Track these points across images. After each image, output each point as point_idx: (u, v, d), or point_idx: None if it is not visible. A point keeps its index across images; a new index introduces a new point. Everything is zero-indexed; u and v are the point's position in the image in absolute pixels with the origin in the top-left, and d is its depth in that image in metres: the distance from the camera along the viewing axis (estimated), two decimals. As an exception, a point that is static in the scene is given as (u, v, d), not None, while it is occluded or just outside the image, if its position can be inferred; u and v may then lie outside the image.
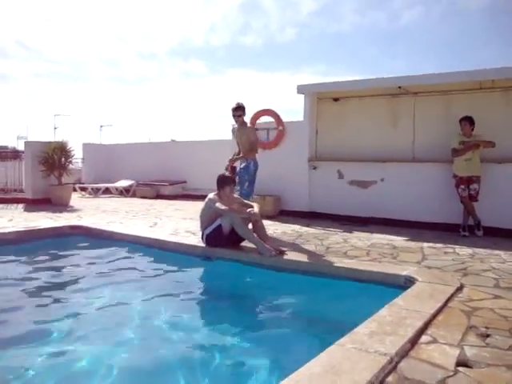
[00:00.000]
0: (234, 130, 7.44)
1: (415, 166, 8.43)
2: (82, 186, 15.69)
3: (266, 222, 8.09)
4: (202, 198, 13.02)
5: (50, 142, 12.10)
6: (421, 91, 8.75)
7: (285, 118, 9.91)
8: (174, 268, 5.56)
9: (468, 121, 7.52)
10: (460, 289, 4.14)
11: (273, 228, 7.78)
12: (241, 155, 7.36)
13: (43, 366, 2.96)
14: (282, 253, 5.44)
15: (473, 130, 7.52)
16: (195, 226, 7.81)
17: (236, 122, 7.41)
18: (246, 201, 6.12)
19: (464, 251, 6.05)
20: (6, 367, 2.94)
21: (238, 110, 7.20)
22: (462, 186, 7.43)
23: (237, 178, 6.96)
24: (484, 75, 7.67)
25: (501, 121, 7.94)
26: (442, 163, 7.98)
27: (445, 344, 2.89)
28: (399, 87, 8.55)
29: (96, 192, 15.00)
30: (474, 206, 7.43)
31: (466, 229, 7.44)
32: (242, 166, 7.29)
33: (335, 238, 6.95)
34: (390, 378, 2.43)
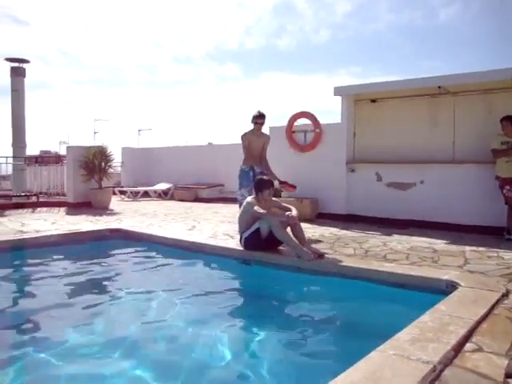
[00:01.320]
0: (245, 136, 7.44)
1: (456, 168, 8.24)
2: (121, 189, 15.98)
3: (303, 225, 8.06)
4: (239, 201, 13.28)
5: (90, 147, 12.37)
6: (461, 91, 8.54)
7: (321, 121, 9.85)
8: (213, 271, 5.59)
9: (509, 120, 7.29)
10: (506, 295, 4.00)
11: (311, 231, 7.73)
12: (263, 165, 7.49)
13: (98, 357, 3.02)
14: (320, 256, 5.40)
15: None
16: (233, 229, 7.83)
17: (258, 129, 7.49)
18: (284, 204, 6.09)
19: (509, 255, 5.86)
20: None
21: (262, 118, 7.42)
22: (508, 187, 7.21)
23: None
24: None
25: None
26: (484, 164, 7.76)
27: (491, 353, 2.79)
28: (439, 87, 8.38)
29: (135, 195, 15.24)
30: None
31: (511, 232, 7.21)
32: (259, 171, 7.32)
33: (374, 241, 6.85)
34: (433, 387, 2.36)
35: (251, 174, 7.33)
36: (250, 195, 6.84)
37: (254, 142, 7.49)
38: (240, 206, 6.85)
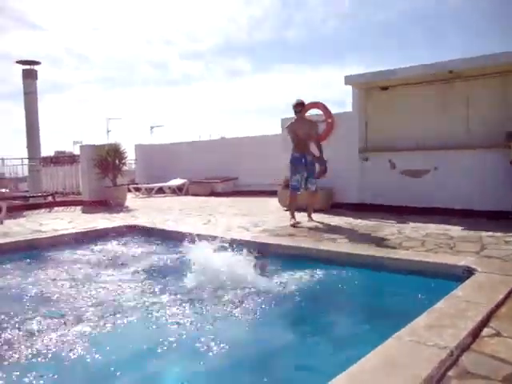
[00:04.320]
0: (289, 127, 7.89)
1: (470, 153, 8.15)
2: (135, 186, 16.08)
3: (318, 216, 8.10)
4: (253, 193, 13.39)
5: (103, 145, 12.47)
6: (473, 74, 8.41)
7: (333, 111, 9.81)
8: (228, 264, 5.58)
9: None
10: (524, 279, 3.97)
11: (326, 221, 7.74)
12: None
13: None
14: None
15: None
16: (248, 222, 7.88)
17: (300, 117, 7.97)
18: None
19: (526, 240, 5.81)
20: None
21: (299, 106, 7.89)
22: None
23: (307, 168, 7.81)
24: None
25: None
26: (499, 149, 7.67)
27: (510, 338, 2.77)
28: (450, 71, 8.27)
29: (149, 192, 15.34)
30: None
31: None
32: (310, 159, 7.86)
33: (389, 229, 6.82)
34: (451, 373, 2.36)
35: (303, 160, 7.76)
36: (303, 182, 7.79)
37: (301, 130, 7.84)
38: (292, 191, 7.89)
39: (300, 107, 7.88)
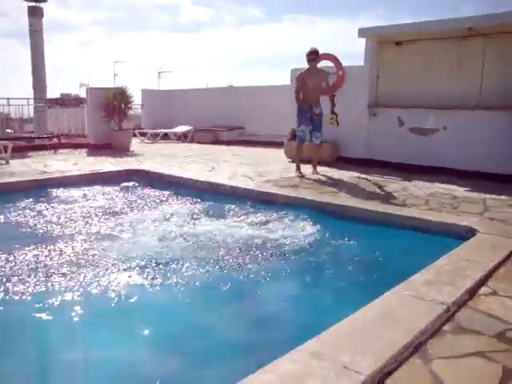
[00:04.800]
0: (300, 77, 7.70)
1: (481, 114, 8.01)
2: (141, 131, 15.98)
3: (322, 168, 8.09)
4: (259, 143, 13.35)
5: (109, 88, 12.33)
6: (492, 32, 8.17)
7: (345, 64, 9.62)
8: (229, 211, 5.62)
9: None
10: (524, 241, 4.00)
11: (330, 174, 7.75)
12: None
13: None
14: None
15: None
16: (252, 170, 7.89)
17: (313, 66, 7.83)
18: None
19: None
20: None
21: (314, 54, 7.74)
22: None
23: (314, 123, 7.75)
24: None
25: None
26: (509, 111, 7.55)
27: (505, 297, 2.83)
28: (469, 28, 8.04)
29: (155, 137, 15.27)
30: None
31: None
32: (318, 112, 7.78)
33: (394, 186, 6.81)
34: (446, 327, 2.41)
35: (309, 114, 7.67)
36: (309, 132, 7.73)
37: (311, 81, 7.69)
38: (299, 142, 7.85)
39: (314, 55, 7.71)
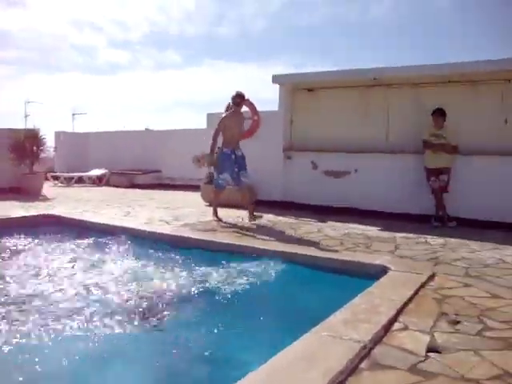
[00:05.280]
0: (226, 119, 7.55)
1: (388, 158, 8.51)
2: (54, 174, 15.42)
3: (240, 212, 8.15)
4: (176, 187, 13.28)
5: (19, 130, 11.87)
6: (394, 83, 8.80)
7: (259, 108, 9.90)
8: (144, 256, 5.50)
9: (439, 113, 7.58)
10: (432, 277, 4.23)
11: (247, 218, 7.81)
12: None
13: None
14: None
15: (444, 121, 7.61)
16: (168, 214, 7.81)
17: (239, 110, 7.77)
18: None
19: (435, 241, 6.17)
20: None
21: (243, 98, 7.74)
22: (433, 178, 7.53)
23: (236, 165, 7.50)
24: (453, 68, 7.89)
25: (468, 113, 8.06)
26: (415, 154, 8.06)
27: (416, 331, 2.96)
28: (374, 78, 8.61)
29: (69, 181, 14.78)
30: (444, 198, 7.54)
31: (438, 219, 7.56)
32: (240, 154, 7.60)
33: (309, 227, 6.99)
34: (363, 365, 2.48)
35: (233, 157, 7.43)
36: (232, 180, 7.46)
37: (235, 123, 7.54)
38: (217, 189, 7.71)
39: (240, 99, 7.66)
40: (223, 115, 7.64)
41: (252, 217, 7.50)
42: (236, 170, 7.45)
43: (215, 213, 7.62)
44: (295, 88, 9.85)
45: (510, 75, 7.75)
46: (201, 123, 11.19)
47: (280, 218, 7.95)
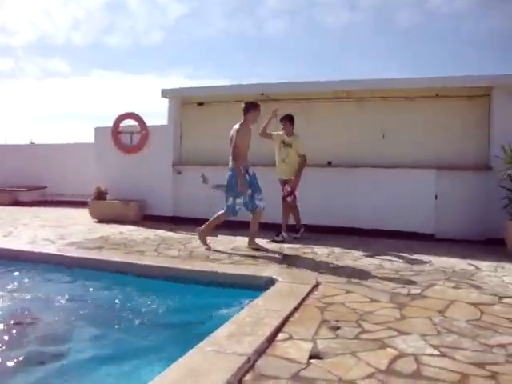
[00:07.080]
0: (245, 132, 6.52)
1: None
2: None
3: (129, 228, 7.93)
4: (63, 203, 12.62)
5: None
6: (282, 98, 9.03)
7: (151, 122, 9.78)
8: (30, 278, 5.20)
9: (288, 120, 7.49)
10: (316, 286, 4.39)
11: (136, 233, 7.64)
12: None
13: None
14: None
15: (293, 128, 7.54)
16: (54, 233, 7.43)
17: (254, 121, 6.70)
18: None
19: (321, 251, 6.41)
20: None
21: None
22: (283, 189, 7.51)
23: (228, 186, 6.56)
24: (340, 86, 8.40)
25: (354, 127, 8.57)
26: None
27: (299, 339, 3.05)
28: (262, 94, 8.82)
29: None
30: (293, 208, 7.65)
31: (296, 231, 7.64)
32: (252, 173, 6.66)
33: (198, 242, 6.93)
34: (247, 377, 2.50)
35: (247, 177, 6.49)
36: (244, 204, 6.44)
37: (247, 136, 6.53)
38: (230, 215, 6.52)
39: (254, 109, 6.59)
40: (235, 126, 6.54)
41: (252, 243, 6.64)
42: (250, 192, 6.48)
43: (205, 243, 6.67)
44: (185, 102, 9.83)
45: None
46: (89, 137, 10.75)
47: (170, 233, 7.85)
